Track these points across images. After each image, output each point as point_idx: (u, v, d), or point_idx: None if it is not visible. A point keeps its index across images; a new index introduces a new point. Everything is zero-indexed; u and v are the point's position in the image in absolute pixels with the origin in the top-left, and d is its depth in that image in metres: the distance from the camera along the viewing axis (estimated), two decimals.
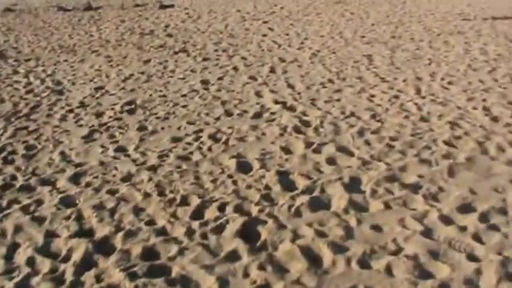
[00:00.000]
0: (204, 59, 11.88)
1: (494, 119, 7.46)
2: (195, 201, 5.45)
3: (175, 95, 9.14)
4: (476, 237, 4.67)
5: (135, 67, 11.12)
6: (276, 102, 8.63)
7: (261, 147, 6.76)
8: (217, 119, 7.99)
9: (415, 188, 5.52)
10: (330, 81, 9.71)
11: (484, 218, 4.95)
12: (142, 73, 10.64)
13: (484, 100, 8.32)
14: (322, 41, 13.44)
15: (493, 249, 4.47)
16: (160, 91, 9.30)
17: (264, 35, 14.41)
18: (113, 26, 17.13)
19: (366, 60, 11.25)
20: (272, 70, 10.74)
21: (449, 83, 9.37)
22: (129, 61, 11.76)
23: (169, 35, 15.09)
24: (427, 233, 4.78)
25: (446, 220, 4.95)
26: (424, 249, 4.50)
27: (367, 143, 6.73)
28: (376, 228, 4.86)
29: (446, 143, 6.64)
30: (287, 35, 14.42)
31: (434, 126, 7.25)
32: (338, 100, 8.56)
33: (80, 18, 18.56)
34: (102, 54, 12.66)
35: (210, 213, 5.24)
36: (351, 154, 6.43)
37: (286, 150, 6.68)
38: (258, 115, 8.08)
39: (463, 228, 4.78)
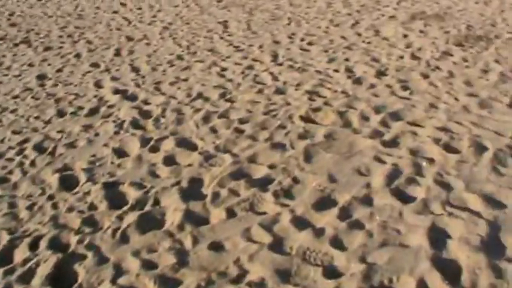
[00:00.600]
0: (46, 49, 10.28)
1: (358, 81, 6.86)
2: (3, 239, 4.33)
3: (6, 97, 7.57)
4: (336, 242, 3.89)
5: None
6: (116, 91, 7.51)
7: (92, 152, 5.74)
8: (48, 122, 6.77)
9: (264, 183, 4.67)
10: (179, 57, 8.71)
11: (345, 213, 4.18)
12: None
13: (346, 60, 7.69)
14: (176, 11, 12.14)
15: (355, 255, 3.72)
16: None
17: (115, 12, 12.94)
18: None
19: (220, 28, 10.29)
20: (117, 53, 9.57)
21: (309, 43, 8.73)
22: None
23: (13, 24, 13.16)
24: (277, 245, 3.92)
25: (300, 223, 4.13)
26: (272, 269, 3.66)
27: (213, 130, 5.78)
28: (216, 246, 3.98)
29: (303, 118, 5.82)
30: (139, 9, 12.97)
31: (291, 98, 6.46)
32: (185, 80, 7.48)
33: None
34: None
35: (20, 254, 4.16)
36: (193, 148, 5.38)
37: (120, 152, 5.68)
38: (93, 111, 6.94)
39: (319, 232, 3.99)
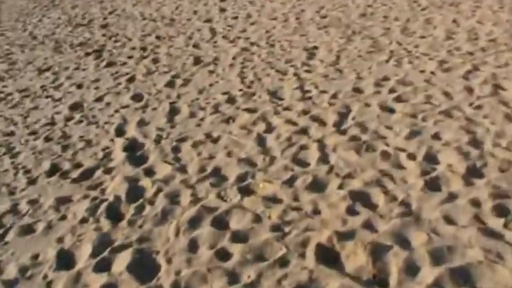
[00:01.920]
0: (108, 64, 10.12)
1: (433, 184, 5.03)
2: None
3: (24, 130, 7.50)
4: None
5: None
6: (128, 147, 6.50)
7: (34, 249, 4.76)
8: (31, 182, 6.03)
9: None
10: (230, 100, 7.71)
11: None
12: None
13: (434, 138, 5.97)
14: (269, 25, 11.54)
15: None
16: None
17: (208, 21, 12.90)
18: None
19: (304, 57, 9.20)
20: (171, 82, 8.75)
21: (398, 99, 7.06)
22: None
23: (104, 26, 13.68)
24: None
25: None
26: None
27: (193, 247, 4.08)
28: None
29: (320, 250, 4.04)
30: (235, 18, 12.70)
31: (324, 204, 4.89)
32: (214, 141, 6.59)
33: None
34: None
35: None
36: (151, 275, 3.68)
37: (64, 260, 4.58)
38: (85, 176, 6.01)
39: None
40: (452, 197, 4.47)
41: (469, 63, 7.40)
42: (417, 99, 6.44)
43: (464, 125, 5.62)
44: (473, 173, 4.81)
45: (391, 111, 6.25)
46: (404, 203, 4.44)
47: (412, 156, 5.18)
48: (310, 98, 6.91)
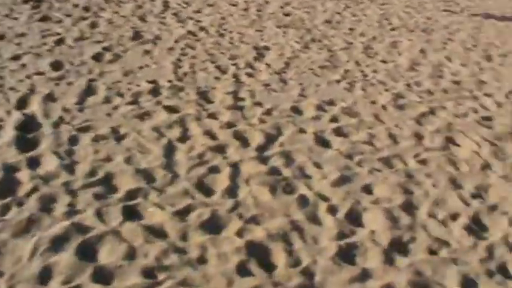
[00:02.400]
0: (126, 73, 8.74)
1: None
2: None
3: None
4: None
5: None
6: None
7: None
8: None
9: None
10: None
11: None
12: None
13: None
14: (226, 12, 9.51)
15: None
16: None
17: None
18: None
19: (251, 57, 7.51)
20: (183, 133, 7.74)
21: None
22: None
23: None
24: None
25: None
26: None
27: None
28: None
29: None
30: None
31: None
32: None
33: None
34: None
35: None
36: None
37: None
38: None
39: None
40: (365, 275, 3.66)
41: (425, 104, 6.62)
42: (358, 136, 5.59)
43: (403, 182, 4.83)
44: (397, 248, 3.97)
45: (326, 145, 5.34)
46: (308, 271, 3.57)
47: (333, 210, 4.34)
48: (241, 108, 5.95)
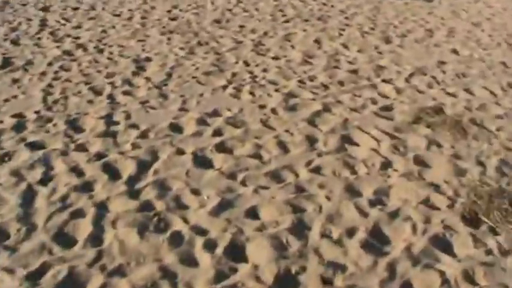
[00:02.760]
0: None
1: None
2: None
3: None
4: None
5: None
6: None
7: None
8: None
9: None
10: None
11: None
12: None
13: None
14: None
15: None
16: None
17: None
18: None
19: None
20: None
21: None
22: None
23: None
24: None
25: None
26: None
27: None
28: None
29: None
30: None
31: None
32: None
33: None
34: None
35: None
36: None
37: None
38: None
39: None
40: None
41: (319, 101, 6.05)
42: (243, 150, 4.98)
43: (292, 199, 4.26)
44: (284, 283, 3.32)
45: (207, 165, 4.70)
46: None
47: (211, 245, 3.71)
48: (114, 134, 5.23)
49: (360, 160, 4.96)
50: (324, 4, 10.91)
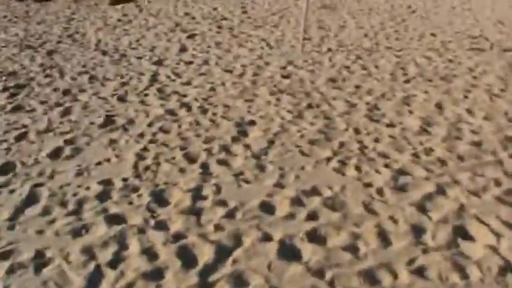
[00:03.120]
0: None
1: None
2: None
3: None
4: None
5: None
6: None
7: None
8: None
9: None
10: None
11: None
12: None
13: None
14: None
15: None
16: None
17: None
18: None
19: None
20: None
21: None
22: None
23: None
24: None
25: None
26: None
27: None
28: None
29: None
30: None
31: None
32: None
33: None
34: None
35: None
36: None
37: None
38: None
39: None
40: None
41: (433, 181, 5.33)
42: (338, 239, 4.49)
43: None
44: None
45: (293, 257, 4.21)
46: None
47: None
48: (198, 211, 4.88)
49: (474, 261, 4.22)
50: (450, 61, 10.10)
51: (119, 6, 15.95)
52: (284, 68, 9.77)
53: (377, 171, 5.80)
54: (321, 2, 15.94)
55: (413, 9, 15.03)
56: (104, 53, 11.11)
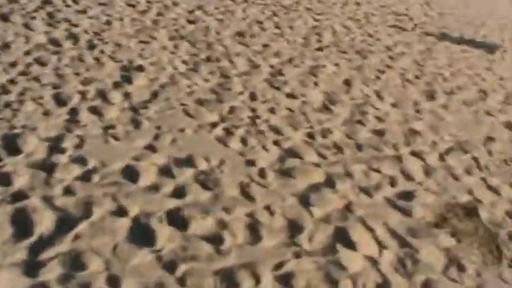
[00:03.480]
0: None
1: None
2: None
3: None
4: None
5: None
6: None
7: None
8: None
9: None
10: None
11: None
12: None
13: None
14: None
15: None
16: None
17: None
18: None
19: None
20: None
21: None
22: None
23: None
24: None
25: None
26: None
27: None
28: None
29: None
30: None
31: None
32: None
33: None
34: None
35: None
36: None
37: None
38: None
39: None
40: None
41: (324, 169, 4.80)
42: (201, 226, 3.63)
43: None
44: None
45: (145, 241, 3.38)
46: None
47: None
48: (52, 167, 3.89)
49: (349, 275, 3.60)
50: (370, 35, 9.47)
51: None
52: (192, 12, 8.82)
53: (264, 148, 5.09)
54: None
55: None
56: None
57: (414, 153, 5.67)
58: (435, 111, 6.79)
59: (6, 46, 6.33)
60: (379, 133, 5.93)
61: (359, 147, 5.57)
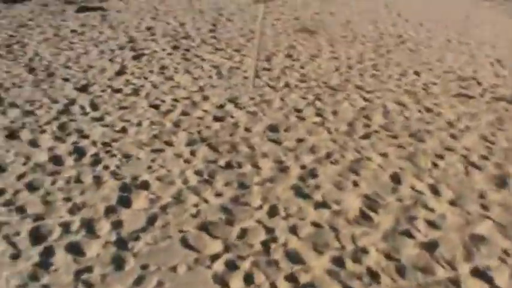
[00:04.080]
0: None
1: None
2: None
3: None
4: None
5: None
6: None
7: None
8: None
9: None
10: None
11: None
12: None
13: None
14: None
15: None
16: None
17: None
18: None
19: None
20: None
21: None
22: None
23: None
24: None
25: None
26: None
27: None
28: None
29: None
30: None
31: None
32: None
33: None
34: None
35: None
36: None
37: None
38: None
39: None
40: None
41: None
42: None
43: None
44: None
45: None
46: None
47: None
48: None
49: None
50: (428, 110, 8.22)
51: (82, 15, 14.18)
52: (222, 106, 7.87)
53: (273, 286, 3.88)
54: (301, 24, 14.10)
55: (403, 40, 13.15)
56: (32, 70, 9.34)
57: (477, 272, 4.31)
58: (507, 204, 5.39)
59: (2, 169, 5.62)
60: (430, 246, 4.66)
61: (401, 270, 4.29)
